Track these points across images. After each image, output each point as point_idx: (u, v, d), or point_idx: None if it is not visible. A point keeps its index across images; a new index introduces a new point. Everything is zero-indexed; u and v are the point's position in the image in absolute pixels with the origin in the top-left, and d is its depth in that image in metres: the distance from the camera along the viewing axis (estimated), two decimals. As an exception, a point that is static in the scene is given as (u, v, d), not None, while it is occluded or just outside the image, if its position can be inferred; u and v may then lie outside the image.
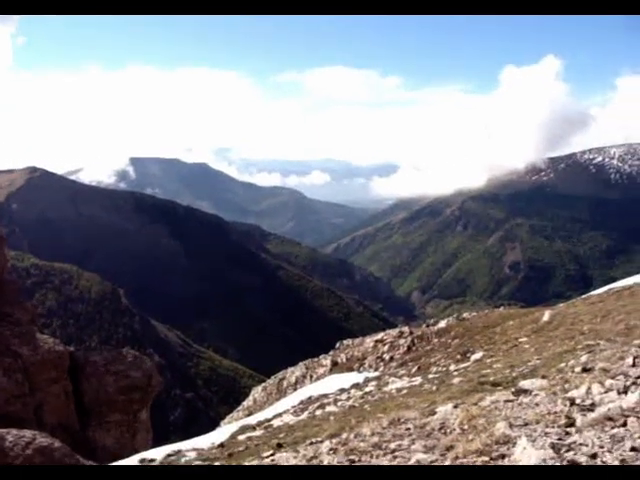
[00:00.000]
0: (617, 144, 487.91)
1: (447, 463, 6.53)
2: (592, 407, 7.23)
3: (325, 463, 7.94)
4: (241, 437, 19.71)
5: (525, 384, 10.71)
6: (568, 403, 7.62)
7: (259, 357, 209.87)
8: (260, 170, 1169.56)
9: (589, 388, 8.14)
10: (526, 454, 5.74)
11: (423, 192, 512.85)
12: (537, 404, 8.38)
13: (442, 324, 41.40)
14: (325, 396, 26.03)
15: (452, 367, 24.86)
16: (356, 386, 26.97)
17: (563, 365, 13.19)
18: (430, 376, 23.53)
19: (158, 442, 28.92)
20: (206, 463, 14.97)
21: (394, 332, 42.24)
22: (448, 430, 8.26)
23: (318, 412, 21.57)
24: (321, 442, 10.91)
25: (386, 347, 39.24)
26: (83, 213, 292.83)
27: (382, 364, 36.82)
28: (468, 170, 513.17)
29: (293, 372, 46.48)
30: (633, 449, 5.58)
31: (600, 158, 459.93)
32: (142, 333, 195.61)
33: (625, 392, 7.47)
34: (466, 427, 7.98)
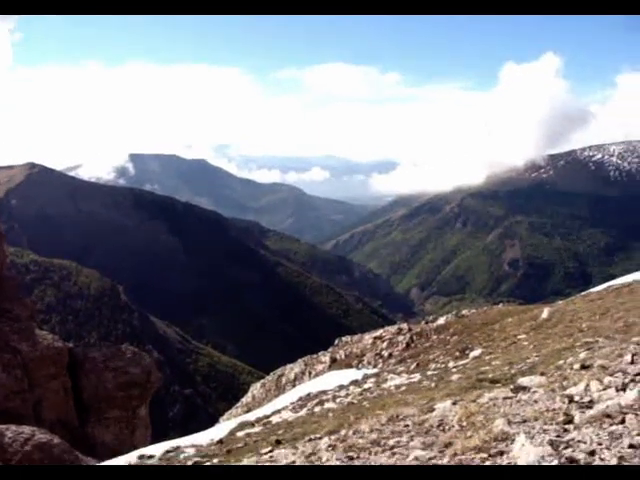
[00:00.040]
0: (617, 141, 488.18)
1: (445, 460, 6.54)
2: (590, 404, 7.24)
3: (324, 460, 7.95)
4: (240, 433, 19.72)
5: (524, 381, 10.72)
6: (566, 400, 7.63)
7: (258, 353, 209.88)
8: (259, 166, 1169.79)
9: (587, 385, 8.14)
10: (524, 451, 5.75)
11: (422, 189, 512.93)
12: (535, 401, 8.38)
13: (441, 321, 41.42)
14: (324, 393, 26.03)
15: (451, 364, 24.89)
16: (355, 383, 26.97)
17: (562, 362, 13.20)
18: (429, 373, 23.54)
19: (157, 438, 28.97)
20: (205, 459, 14.98)
21: (393, 329, 42.25)
22: (447, 427, 8.27)
23: (317, 409, 21.58)
24: (320, 439, 10.92)
25: (385, 344, 39.25)
26: (82, 209, 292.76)
27: (381, 361, 36.84)
28: (467, 167, 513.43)
29: (292, 369, 46.49)
30: (631, 446, 5.59)
31: (599, 155, 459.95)
32: (141, 329, 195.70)
33: (623, 389, 7.48)
34: (465, 424, 7.98)
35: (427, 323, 42.20)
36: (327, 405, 21.69)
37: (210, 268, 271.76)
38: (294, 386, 40.22)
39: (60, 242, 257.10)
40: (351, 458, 7.60)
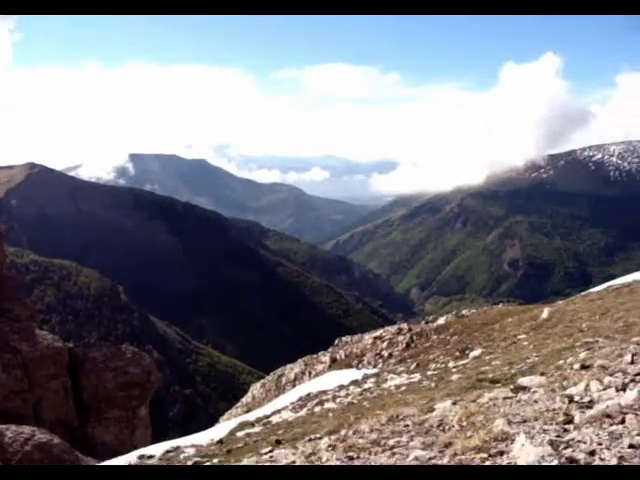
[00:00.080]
0: (617, 141, 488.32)
1: (445, 460, 6.54)
2: (590, 404, 7.24)
3: (324, 460, 7.95)
4: (240, 433, 19.73)
5: (524, 381, 10.72)
6: (566, 400, 7.63)
7: (258, 353, 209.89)
8: (259, 166, 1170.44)
9: (587, 385, 8.14)
10: (524, 451, 5.75)
11: (422, 189, 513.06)
12: (536, 401, 8.39)
13: (441, 321, 41.43)
14: (324, 393, 26.04)
15: (451, 364, 24.89)
16: (355, 383, 26.97)
17: (562, 362, 13.20)
18: (429, 373, 23.55)
19: (157, 438, 28.97)
20: (205, 459, 14.99)
21: (393, 329, 42.26)
22: (447, 427, 8.27)
23: (317, 409, 21.59)
24: (320, 438, 10.92)
25: (385, 344, 39.26)
26: (82, 209, 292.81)
27: (381, 361, 36.84)
28: (467, 167, 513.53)
29: (292, 369, 46.49)
30: (631, 446, 5.59)
31: (599, 155, 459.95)
32: (141, 329, 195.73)
33: (623, 389, 7.48)
34: (465, 424, 7.99)
35: (427, 323, 42.20)
36: (327, 405, 21.69)
37: (210, 268, 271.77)
38: (294, 386, 40.22)
39: (60, 242, 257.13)
40: (351, 458, 7.60)
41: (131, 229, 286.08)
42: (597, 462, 5.42)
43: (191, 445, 18.77)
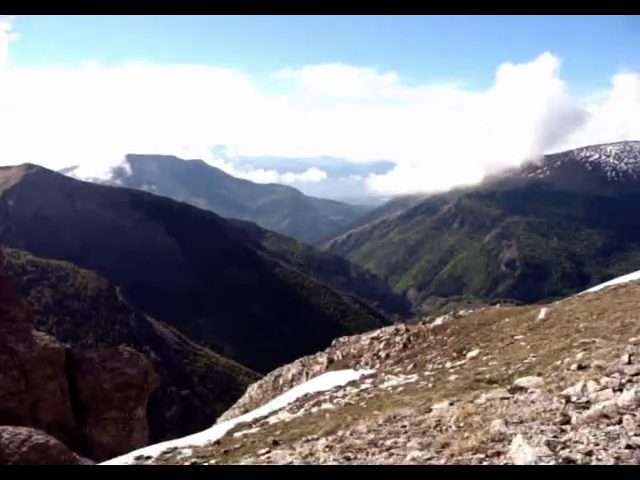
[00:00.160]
0: (613, 142, 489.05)
1: (443, 460, 6.54)
2: (587, 405, 7.24)
3: (321, 460, 7.95)
4: (237, 434, 19.71)
5: (521, 381, 10.73)
6: (564, 401, 7.64)
7: (255, 354, 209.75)
8: (256, 167, 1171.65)
9: (585, 386, 8.15)
10: (521, 451, 5.75)
11: (419, 189, 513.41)
12: (533, 402, 8.39)
13: (438, 321, 41.43)
14: (321, 393, 26.02)
15: (448, 364, 24.90)
16: (352, 383, 26.96)
17: (559, 362, 13.21)
18: (426, 373, 23.55)
19: (154, 439, 28.93)
20: (202, 460, 14.98)
21: (390, 329, 42.28)
22: (444, 427, 8.27)
23: (314, 409, 21.58)
24: (317, 439, 10.92)
25: (382, 344, 39.27)
26: (79, 210, 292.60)
27: (378, 361, 36.85)
28: (465, 167, 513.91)
29: (289, 369, 46.48)
30: (628, 447, 5.59)
31: (596, 156, 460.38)
32: (138, 330, 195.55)
33: (620, 390, 7.48)
34: (462, 424, 7.99)
35: (424, 324, 42.20)
36: (324, 406, 21.68)
37: (207, 269, 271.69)
38: (291, 387, 40.21)
39: (57, 243, 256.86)
40: (348, 459, 7.60)
41: (128, 230, 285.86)
42: (594, 463, 5.42)
43: (188, 446, 18.75)
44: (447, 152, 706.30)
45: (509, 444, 6.22)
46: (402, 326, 42.21)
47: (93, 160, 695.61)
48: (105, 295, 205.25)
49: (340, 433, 10.11)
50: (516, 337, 24.84)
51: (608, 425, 6.29)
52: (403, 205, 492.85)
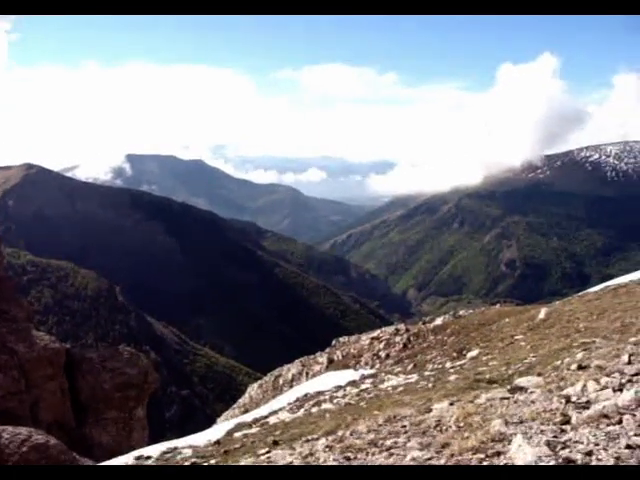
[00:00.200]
0: (613, 142, 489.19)
1: (443, 461, 6.54)
2: (587, 405, 7.24)
3: (321, 460, 7.95)
4: (237, 434, 19.71)
5: (521, 381, 10.73)
6: (564, 401, 7.64)
7: (255, 354, 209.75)
8: (256, 167, 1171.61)
9: (585, 386, 8.15)
10: (521, 452, 5.75)
11: (419, 189, 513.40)
12: (533, 402, 8.39)
13: (438, 321, 41.43)
14: (321, 393, 26.02)
15: (448, 364, 24.90)
16: (352, 383, 26.96)
17: (559, 363, 13.21)
18: (426, 373, 23.55)
19: (154, 439, 28.93)
20: (202, 460, 14.98)
21: (390, 329, 42.28)
22: (444, 427, 8.27)
23: (314, 409, 21.57)
24: (317, 439, 10.92)
25: (382, 344, 39.27)
26: (79, 210, 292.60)
27: (378, 361, 36.85)
28: (465, 167, 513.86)
29: (289, 369, 46.48)
30: (628, 447, 5.60)
31: (596, 156, 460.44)
32: (138, 330, 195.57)
33: (620, 390, 7.48)
34: (462, 424, 7.99)
35: (424, 324, 42.20)
36: (324, 406, 21.67)
37: (207, 269, 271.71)
38: (291, 387, 40.21)
39: (57, 243, 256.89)
40: (348, 459, 7.60)
41: (128, 230, 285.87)
42: (594, 463, 5.43)
43: (188, 446, 18.76)
44: (447, 152, 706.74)
45: (509, 444, 6.22)
46: (402, 326, 42.21)
47: (93, 160, 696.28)
48: (105, 295, 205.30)
49: (340, 433, 10.11)
50: (516, 337, 24.85)
51: (608, 425, 6.30)
52: (403, 205, 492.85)
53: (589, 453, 5.58)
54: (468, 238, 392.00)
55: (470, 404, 9.43)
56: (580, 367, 10.85)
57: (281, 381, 45.64)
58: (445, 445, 7.00)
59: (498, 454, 6.16)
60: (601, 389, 7.82)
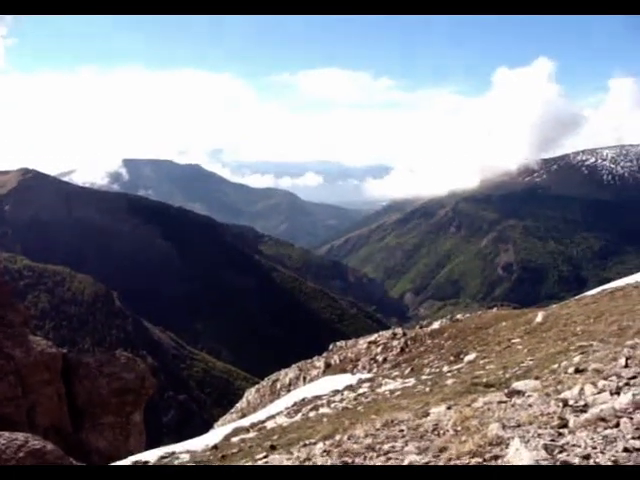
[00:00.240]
0: (609, 145, 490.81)
1: (440, 464, 6.53)
2: (585, 408, 7.24)
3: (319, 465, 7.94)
4: (234, 439, 19.70)
5: (518, 385, 10.72)
6: (561, 404, 7.63)
7: (253, 359, 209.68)
8: (253, 171, 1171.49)
9: (582, 389, 8.14)
10: (519, 455, 5.75)
11: (416, 193, 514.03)
12: (530, 405, 8.38)
13: (435, 325, 41.48)
14: (318, 398, 26.02)
15: (445, 368, 24.89)
16: (349, 388, 26.96)
17: (556, 366, 13.22)
18: (423, 377, 23.56)
19: (151, 444, 28.89)
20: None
21: (387, 333, 42.29)
22: (441, 431, 8.26)
23: (311, 414, 21.56)
24: (314, 444, 10.90)
25: (379, 348, 39.26)
26: (76, 215, 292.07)
27: (375, 365, 36.83)
28: (461, 171, 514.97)
29: (286, 374, 46.46)
30: (625, 450, 5.60)
31: (593, 159, 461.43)
32: (135, 335, 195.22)
33: (618, 393, 7.48)
34: (459, 428, 7.98)
35: (421, 327, 42.25)
36: (322, 410, 21.66)
37: (205, 273, 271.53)
38: (289, 391, 40.19)
39: (54, 247, 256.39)
40: (346, 463, 7.59)
41: (125, 235, 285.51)
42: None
43: (186, 451, 18.74)
44: (443, 156, 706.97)
45: (507, 448, 6.22)
46: (399, 330, 42.22)
47: (90, 165, 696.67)
48: (102, 300, 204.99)
49: (337, 437, 10.09)
50: (513, 341, 24.86)
51: (605, 428, 6.30)
52: (400, 209, 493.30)
53: (586, 456, 5.58)
54: (465, 242, 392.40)
55: (467, 408, 9.42)
56: (577, 370, 10.85)
57: (278, 385, 45.60)
58: (443, 449, 7.00)
59: (496, 458, 6.15)
60: (598, 392, 7.82)
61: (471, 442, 6.62)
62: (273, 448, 14.06)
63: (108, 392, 29.76)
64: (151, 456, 18.73)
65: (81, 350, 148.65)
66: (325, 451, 8.71)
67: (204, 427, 62.75)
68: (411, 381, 23.07)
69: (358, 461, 7.56)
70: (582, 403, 7.51)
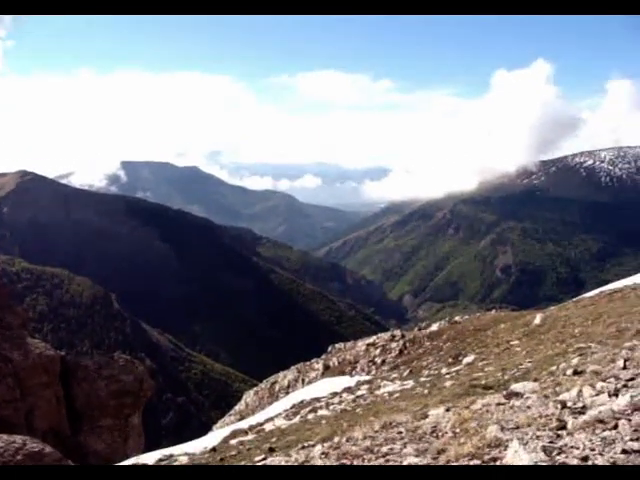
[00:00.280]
0: (607, 147, 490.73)
1: (439, 465, 6.53)
2: (583, 410, 7.25)
3: (317, 467, 7.93)
4: (233, 441, 19.67)
5: (517, 387, 10.72)
6: (559, 406, 7.64)
7: (251, 361, 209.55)
8: (251, 174, 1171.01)
9: (580, 391, 8.15)
10: (518, 457, 5.75)
11: (414, 195, 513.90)
12: (529, 407, 8.39)
13: (434, 327, 41.44)
14: (317, 400, 26.00)
15: (444, 370, 24.89)
16: (348, 390, 26.95)
17: (554, 368, 13.22)
18: (422, 379, 23.55)
19: (150, 447, 28.89)
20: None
21: (386, 335, 42.24)
22: (440, 433, 8.26)
23: (310, 416, 21.55)
24: (313, 446, 10.89)
25: (378, 350, 39.23)
26: (74, 217, 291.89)
27: (374, 368, 36.81)
28: (459, 173, 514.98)
29: (285, 376, 46.40)
30: (624, 451, 5.60)
31: (591, 161, 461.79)
32: (133, 337, 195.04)
33: (616, 395, 7.49)
34: (458, 430, 7.98)
35: (420, 329, 42.19)
36: (320, 412, 21.65)
37: (203, 275, 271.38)
38: (287, 393, 40.17)
39: (52, 250, 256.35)
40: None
41: (123, 237, 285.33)
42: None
43: (184, 453, 18.72)
44: (442, 158, 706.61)
45: (505, 450, 6.22)
46: (398, 332, 42.18)
47: (88, 167, 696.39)
48: (100, 302, 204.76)
49: (336, 440, 10.09)
50: (512, 343, 24.85)
51: (604, 430, 6.30)
52: (398, 211, 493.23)
53: (585, 458, 5.59)
54: (463, 244, 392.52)
55: (466, 410, 9.42)
56: (576, 372, 10.86)
57: (277, 388, 45.55)
58: (441, 451, 6.99)
59: (494, 460, 6.15)
60: (597, 394, 7.82)
61: (470, 444, 6.62)
62: (272, 450, 14.05)
63: (106, 394, 29.73)
64: (149, 458, 18.71)
65: (79, 352, 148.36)
66: (324, 453, 8.71)
67: (202, 429, 62.76)
68: (410, 383, 23.06)
69: (356, 463, 7.56)
70: (580, 405, 7.52)
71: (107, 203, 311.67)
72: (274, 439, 17.28)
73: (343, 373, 37.49)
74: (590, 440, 6.03)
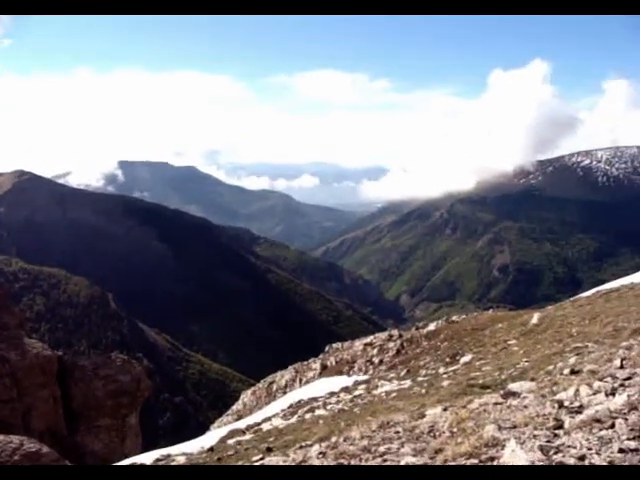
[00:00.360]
0: (604, 147, 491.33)
1: (436, 464, 6.54)
2: (580, 409, 7.25)
3: (314, 467, 7.93)
4: (230, 441, 19.66)
5: (514, 387, 10.73)
6: (556, 405, 7.64)
7: (249, 361, 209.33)
8: (249, 173, 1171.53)
9: (577, 390, 8.15)
10: (515, 457, 5.75)
11: (412, 195, 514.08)
12: (526, 406, 8.39)
13: (431, 327, 41.44)
14: (314, 400, 26.00)
15: (441, 370, 24.89)
16: (345, 389, 26.95)
17: (552, 367, 13.23)
18: (419, 379, 23.55)
19: (147, 447, 28.86)
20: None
21: (383, 335, 42.25)
22: (437, 433, 8.26)
23: (307, 416, 21.55)
24: (310, 446, 10.89)
25: (375, 350, 39.23)
26: (71, 217, 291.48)
27: (371, 367, 36.81)
28: (457, 173, 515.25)
29: (283, 376, 46.38)
30: (621, 451, 5.60)
31: (588, 161, 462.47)
32: (131, 337, 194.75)
33: (613, 394, 7.49)
34: (455, 430, 7.98)
35: (417, 329, 42.21)
36: (318, 412, 21.65)
37: (200, 275, 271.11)
38: (285, 393, 40.16)
39: (49, 250, 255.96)
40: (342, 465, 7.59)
41: (120, 236, 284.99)
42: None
43: (182, 453, 18.71)
44: (439, 158, 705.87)
45: (502, 449, 6.22)
46: (395, 332, 42.20)
47: (85, 167, 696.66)
48: (97, 302, 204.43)
49: (334, 439, 10.08)
50: (509, 342, 24.86)
51: (601, 429, 6.30)
52: (395, 211, 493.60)
53: (582, 457, 5.59)
54: (460, 244, 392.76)
55: (463, 409, 9.42)
56: (573, 372, 10.86)
57: (274, 387, 45.54)
58: (439, 451, 6.99)
59: (492, 459, 6.15)
60: (594, 393, 7.83)
61: (467, 443, 6.62)
62: (269, 450, 14.05)
63: (104, 394, 29.71)
64: (147, 458, 18.69)
65: (76, 353, 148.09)
66: (321, 453, 8.70)
67: (200, 429, 62.73)
68: (407, 383, 23.07)
69: (354, 463, 7.56)
70: (577, 404, 7.52)
71: (104, 203, 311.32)
72: (272, 439, 17.28)
73: (340, 373, 37.49)
74: (587, 439, 6.04)
